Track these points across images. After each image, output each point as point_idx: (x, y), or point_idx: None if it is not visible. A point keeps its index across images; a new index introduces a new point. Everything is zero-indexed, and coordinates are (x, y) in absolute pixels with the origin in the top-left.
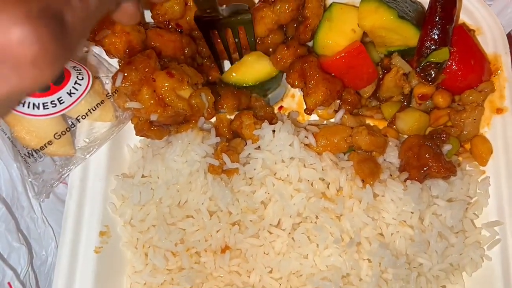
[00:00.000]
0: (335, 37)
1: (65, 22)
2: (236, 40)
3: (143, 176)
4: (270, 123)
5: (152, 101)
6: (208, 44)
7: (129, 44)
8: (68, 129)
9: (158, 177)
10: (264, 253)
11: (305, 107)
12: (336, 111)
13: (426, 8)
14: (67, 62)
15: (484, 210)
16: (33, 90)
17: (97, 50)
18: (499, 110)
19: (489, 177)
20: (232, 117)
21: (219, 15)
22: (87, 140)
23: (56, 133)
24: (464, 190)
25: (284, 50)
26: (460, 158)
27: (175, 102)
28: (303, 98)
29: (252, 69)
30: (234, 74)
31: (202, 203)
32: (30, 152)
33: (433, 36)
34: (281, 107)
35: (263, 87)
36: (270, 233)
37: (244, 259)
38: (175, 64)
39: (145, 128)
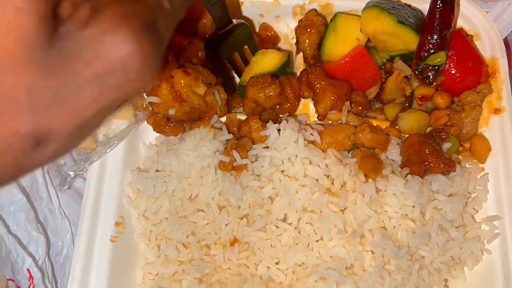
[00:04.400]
0: (341, 46)
1: (159, 31)
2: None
3: (157, 170)
4: (275, 123)
5: (170, 97)
6: (222, 74)
7: None
8: None
9: (171, 171)
10: (271, 246)
11: (316, 114)
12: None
13: (426, 14)
14: (161, 64)
15: (484, 205)
16: (134, 94)
17: None
18: (497, 111)
19: (488, 173)
20: (242, 118)
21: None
22: (107, 136)
23: None
24: (464, 186)
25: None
26: (460, 157)
27: (191, 98)
28: (314, 107)
29: (262, 64)
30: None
31: (212, 198)
32: None
33: (431, 41)
34: None
35: (280, 73)
36: (277, 227)
37: (252, 252)
38: (190, 65)
39: (162, 123)
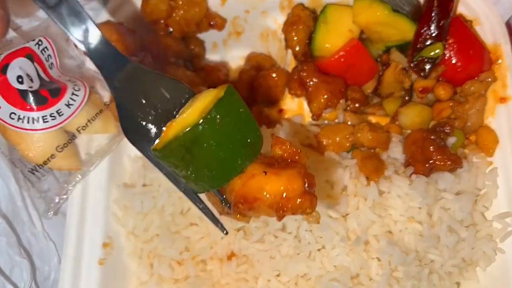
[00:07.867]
0: (333, 39)
1: None
2: None
3: (144, 185)
4: (269, 127)
5: None
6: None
7: (125, 49)
8: (69, 141)
9: (159, 185)
10: (270, 257)
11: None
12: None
13: (422, 2)
14: None
15: (494, 202)
16: None
17: (92, 66)
18: (502, 99)
19: (497, 167)
20: None
21: None
22: (89, 154)
23: (58, 146)
24: (472, 183)
25: None
26: (466, 150)
27: None
28: (308, 106)
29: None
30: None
31: None
32: (34, 167)
33: (428, 31)
34: (281, 110)
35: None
36: (276, 237)
37: (251, 265)
38: (171, 66)
39: None
